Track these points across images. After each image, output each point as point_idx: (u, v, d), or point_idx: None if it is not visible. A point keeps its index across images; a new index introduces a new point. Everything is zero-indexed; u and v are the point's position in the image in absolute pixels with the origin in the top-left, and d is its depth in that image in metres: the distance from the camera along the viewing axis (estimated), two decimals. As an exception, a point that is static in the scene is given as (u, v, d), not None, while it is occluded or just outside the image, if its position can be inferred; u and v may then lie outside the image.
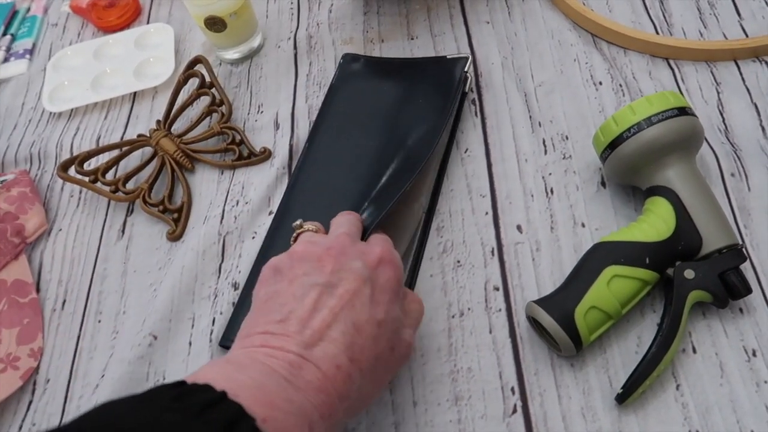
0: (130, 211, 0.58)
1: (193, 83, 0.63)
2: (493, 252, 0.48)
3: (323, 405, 0.28)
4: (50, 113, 0.67)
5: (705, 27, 0.58)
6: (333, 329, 0.31)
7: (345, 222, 0.40)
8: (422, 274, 0.48)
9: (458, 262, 0.48)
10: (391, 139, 0.53)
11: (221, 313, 0.49)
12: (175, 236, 0.55)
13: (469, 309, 0.46)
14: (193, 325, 0.50)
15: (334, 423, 0.30)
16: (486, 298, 0.46)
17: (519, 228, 0.49)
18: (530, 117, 0.55)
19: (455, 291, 0.47)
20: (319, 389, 0.29)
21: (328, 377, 0.29)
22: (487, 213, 0.50)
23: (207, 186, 0.58)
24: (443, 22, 0.63)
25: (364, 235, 0.40)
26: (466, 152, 0.54)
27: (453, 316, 0.46)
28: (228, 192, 0.57)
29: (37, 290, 0.55)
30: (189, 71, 0.62)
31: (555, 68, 0.58)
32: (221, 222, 0.55)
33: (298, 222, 0.42)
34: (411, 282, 0.48)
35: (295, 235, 0.41)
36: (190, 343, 0.49)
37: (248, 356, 0.30)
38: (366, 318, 0.32)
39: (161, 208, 0.56)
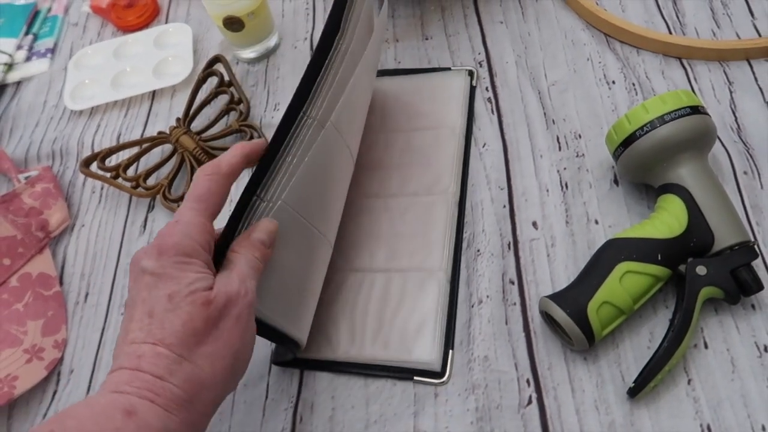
0: (151, 207, 0.59)
1: (212, 82, 0.64)
2: (509, 246, 0.49)
3: (141, 389, 0.31)
4: (71, 111, 0.69)
5: (718, 26, 0.58)
6: (131, 331, 0.33)
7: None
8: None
9: (478, 251, 0.49)
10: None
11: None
12: (194, 231, 0.56)
13: (487, 296, 0.47)
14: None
15: (181, 395, 0.32)
16: (503, 289, 0.47)
17: (534, 224, 0.50)
18: (544, 114, 0.56)
19: (475, 280, 0.48)
20: (129, 381, 0.32)
21: (134, 369, 0.32)
22: (504, 206, 0.51)
23: (225, 183, 0.59)
24: (457, 22, 0.64)
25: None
26: (484, 146, 0.55)
27: (473, 306, 0.47)
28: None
29: (61, 283, 0.56)
30: (208, 69, 0.64)
31: (568, 67, 0.58)
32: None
33: None
34: (455, 272, 0.48)
35: None
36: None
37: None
38: (154, 301, 0.34)
39: (181, 204, 0.57)
